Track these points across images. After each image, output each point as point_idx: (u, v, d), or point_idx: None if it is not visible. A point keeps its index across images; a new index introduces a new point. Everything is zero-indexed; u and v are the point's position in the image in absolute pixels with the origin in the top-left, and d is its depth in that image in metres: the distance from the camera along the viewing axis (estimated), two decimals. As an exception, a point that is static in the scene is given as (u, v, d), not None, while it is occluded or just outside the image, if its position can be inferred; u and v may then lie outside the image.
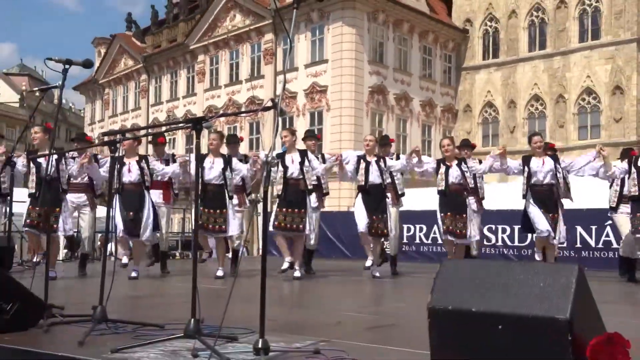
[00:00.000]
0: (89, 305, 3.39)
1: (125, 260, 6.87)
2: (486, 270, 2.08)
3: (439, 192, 7.07)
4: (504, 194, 10.64)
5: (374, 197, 6.99)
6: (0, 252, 7.24)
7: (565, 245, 9.23)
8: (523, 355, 1.90)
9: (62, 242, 9.47)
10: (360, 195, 7.11)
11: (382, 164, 7.06)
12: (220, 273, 6.92)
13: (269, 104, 2.76)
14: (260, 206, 6.28)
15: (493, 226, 10.36)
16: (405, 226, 11.30)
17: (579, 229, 9.36)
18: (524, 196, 6.89)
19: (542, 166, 6.76)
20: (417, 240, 11.25)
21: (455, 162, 7.05)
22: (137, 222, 6.61)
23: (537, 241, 6.96)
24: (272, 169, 6.70)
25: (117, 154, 3.28)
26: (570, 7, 24.86)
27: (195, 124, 2.90)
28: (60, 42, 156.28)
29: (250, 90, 25.85)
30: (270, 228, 6.68)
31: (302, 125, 24.43)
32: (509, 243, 10.31)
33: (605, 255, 9.24)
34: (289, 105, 24.51)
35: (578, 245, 9.45)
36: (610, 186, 7.29)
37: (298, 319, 4.10)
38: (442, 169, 7.02)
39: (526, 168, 6.80)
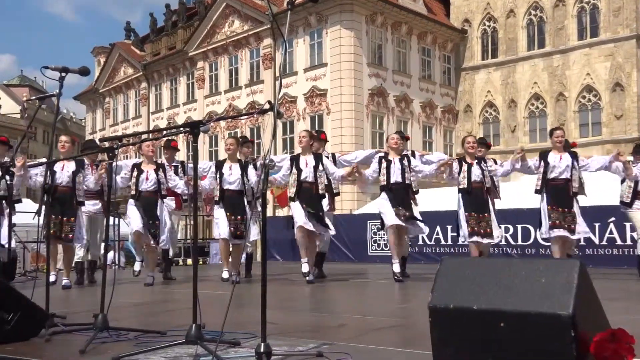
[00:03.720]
0: (91, 313, 3.38)
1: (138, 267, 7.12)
2: (487, 268, 2.06)
3: (461, 190, 6.82)
4: (506, 193, 10.61)
5: (398, 194, 6.74)
6: (3, 263, 7.23)
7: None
8: (526, 353, 1.88)
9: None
10: (384, 193, 6.83)
11: (405, 162, 6.84)
12: (225, 275, 6.94)
13: (267, 106, 2.75)
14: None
15: (496, 225, 10.32)
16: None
17: (583, 226, 9.32)
18: (538, 191, 6.75)
19: (559, 161, 6.65)
20: (420, 242, 11.21)
21: (477, 160, 6.89)
22: (154, 229, 6.72)
23: (554, 241, 6.68)
24: (285, 172, 6.65)
25: (115, 160, 3.28)
26: (569, 5, 24.86)
27: (193, 127, 2.89)
28: (60, 52, 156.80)
29: (250, 96, 25.88)
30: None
31: (302, 129, 24.44)
32: (512, 242, 10.27)
33: (610, 252, 9.21)
34: (289, 110, 24.52)
35: (582, 242, 9.40)
36: (623, 181, 7.20)
37: (301, 322, 4.08)
38: (464, 167, 6.83)
39: (542, 162, 6.70)
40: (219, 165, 6.87)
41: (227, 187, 6.77)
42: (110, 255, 11.47)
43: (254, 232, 6.97)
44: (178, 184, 6.97)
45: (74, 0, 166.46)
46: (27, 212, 8.05)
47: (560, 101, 25.00)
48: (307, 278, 6.66)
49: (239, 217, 6.74)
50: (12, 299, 3.23)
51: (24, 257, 10.62)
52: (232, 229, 6.73)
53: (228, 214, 6.73)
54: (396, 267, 6.77)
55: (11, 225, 6.82)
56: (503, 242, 10.30)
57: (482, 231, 6.68)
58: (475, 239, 6.68)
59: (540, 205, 6.80)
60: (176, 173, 7.36)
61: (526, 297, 1.91)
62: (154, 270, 7.21)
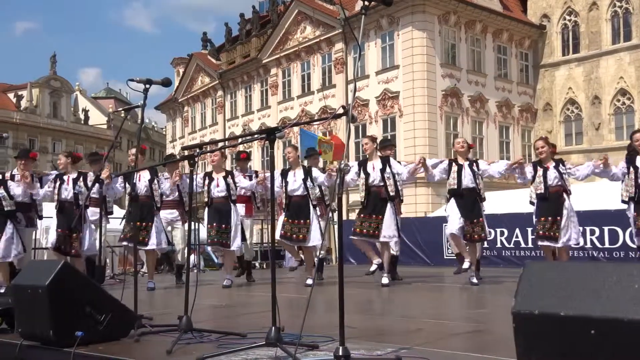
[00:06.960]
0: (175, 315, 3.51)
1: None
2: (574, 272, 1.97)
3: (538, 195, 6.60)
4: (590, 194, 10.13)
5: (467, 201, 6.77)
6: (93, 266, 7.65)
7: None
8: (619, 362, 1.79)
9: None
10: (453, 199, 6.90)
11: (475, 167, 6.83)
12: (309, 281, 7.03)
13: (340, 111, 2.77)
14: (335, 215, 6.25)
15: (580, 228, 9.87)
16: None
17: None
18: (625, 201, 6.38)
19: None
20: (499, 245, 10.90)
21: (553, 163, 6.59)
22: (227, 233, 7.01)
23: None
24: (354, 177, 6.80)
25: (195, 168, 3.39)
26: (656, -7, 23.44)
27: (269, 134, 2.95)
28: (142, 64, 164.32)
29: (322, 100, 26.06)
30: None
31: (374, 132, 24.35)
32: (598, 245, 9.78)
33: None
34: (361, 113, 24.51)
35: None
36: None
37: (378, 326, 4.06)
38: (540, 171, 6.57)
39: (632, 168, 6.27)
40: (284, 173, 7.18)
41: (291, 193, 7.06)
42: (192, 258, 11.88)
43: (316, 237, 7.02)
44: (245, 184, 7.29)
45: (152, 14, 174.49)
46: (115, 218, 8.49)
47: (649, 96, 23.59)
48: (372, 269, 6.91)
49: (302, 220, 6.97)
50: (104, 301, 3.41)
51: (112, 260, 11.17)
52: (293, 234, 6.95)
53: (290, 220, 6.99)
54: (466, 264, 6.77)
55: (101, 232, 7.21)
56: (588, 245, 9.83)
57: (551, 234, 6.48)
58: (545, 243, 6.55)
59: (627, 213, 6.50)
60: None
61: (618, 303, 1.80)
62: (230, 273, 7.52)
